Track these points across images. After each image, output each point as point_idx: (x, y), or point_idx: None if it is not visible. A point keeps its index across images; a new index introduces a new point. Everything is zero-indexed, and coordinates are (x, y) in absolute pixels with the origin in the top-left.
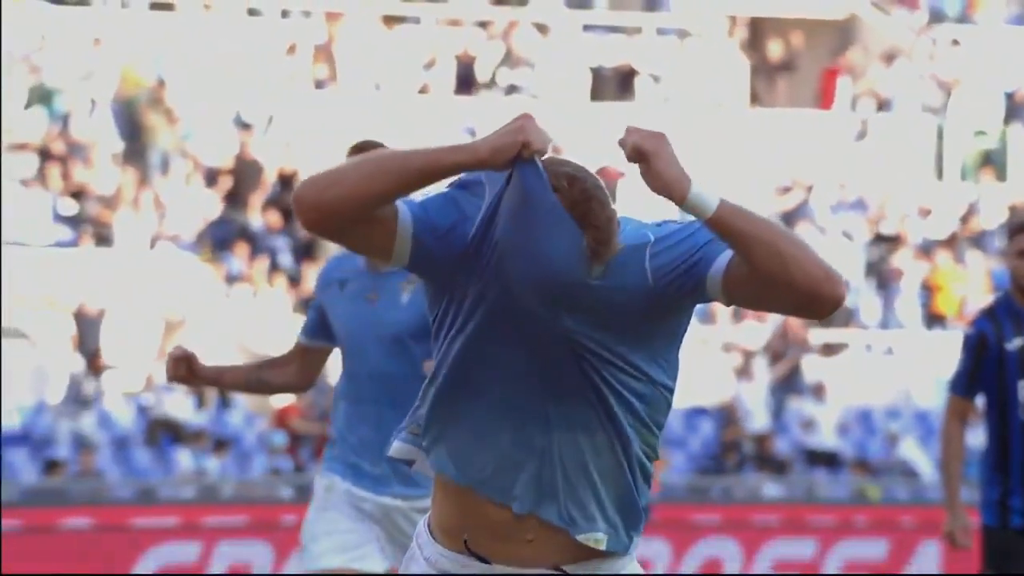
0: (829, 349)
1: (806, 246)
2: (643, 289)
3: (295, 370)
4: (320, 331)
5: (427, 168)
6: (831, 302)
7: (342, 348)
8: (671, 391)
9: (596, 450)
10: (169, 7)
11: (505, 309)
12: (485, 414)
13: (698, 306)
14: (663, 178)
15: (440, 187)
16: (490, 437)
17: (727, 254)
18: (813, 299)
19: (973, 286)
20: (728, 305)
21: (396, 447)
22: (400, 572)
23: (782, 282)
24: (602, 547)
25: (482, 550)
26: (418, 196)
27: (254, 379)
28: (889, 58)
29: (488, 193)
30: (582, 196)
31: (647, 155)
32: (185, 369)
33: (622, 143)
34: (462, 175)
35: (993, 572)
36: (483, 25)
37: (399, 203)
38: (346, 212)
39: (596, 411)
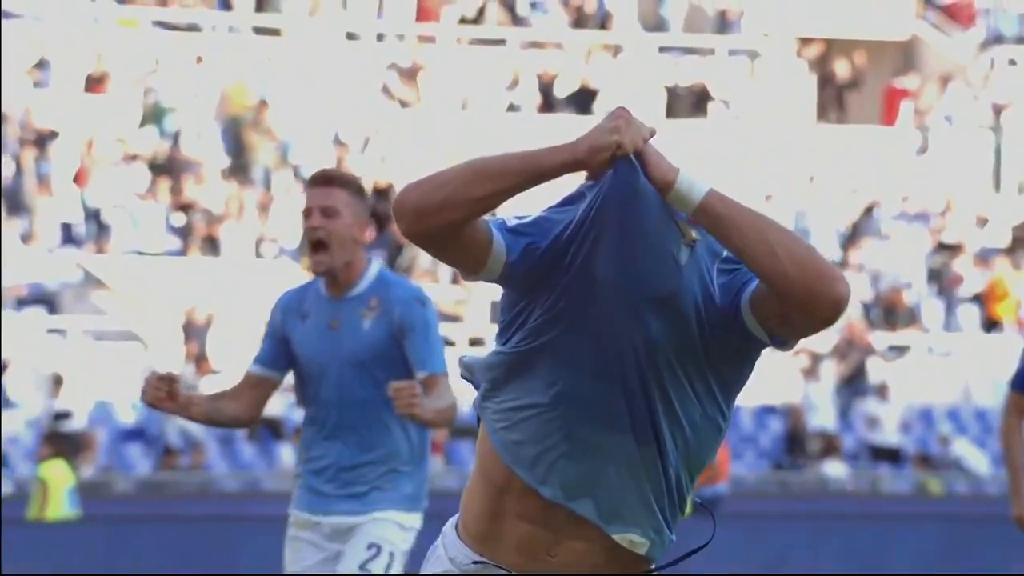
0: (893, 351)
1: (802, 242)
2: (710, 299)
3: (246, 402)
4: (276, 361)
5: (529, 170)
6: (828, 300)
7: (305, 376)
8: (720, 432)
9: (644, 460)
10: (273, 32)
11: (589, 307)
12: (543, 405)
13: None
14: (657, 166)
15: (541, 205)
16: (541, 425)
17: (756, 281)
18: (810, 296)
19: None
20: (769, 340)
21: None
22: (421, 571)
23: (777, 276)
24: (641, 550)
25: (505, 563)
26: (513, 218)
27: (212, 410)
28: (949, 77)
29: (588, 199)
30: None
31: (643, 148)
32: (165, 392)
33: (619, 143)
34: (571, 192)
35: None
36: (563, 47)
37: (492, 227)
38: (450, 218)
39: (648, 422)
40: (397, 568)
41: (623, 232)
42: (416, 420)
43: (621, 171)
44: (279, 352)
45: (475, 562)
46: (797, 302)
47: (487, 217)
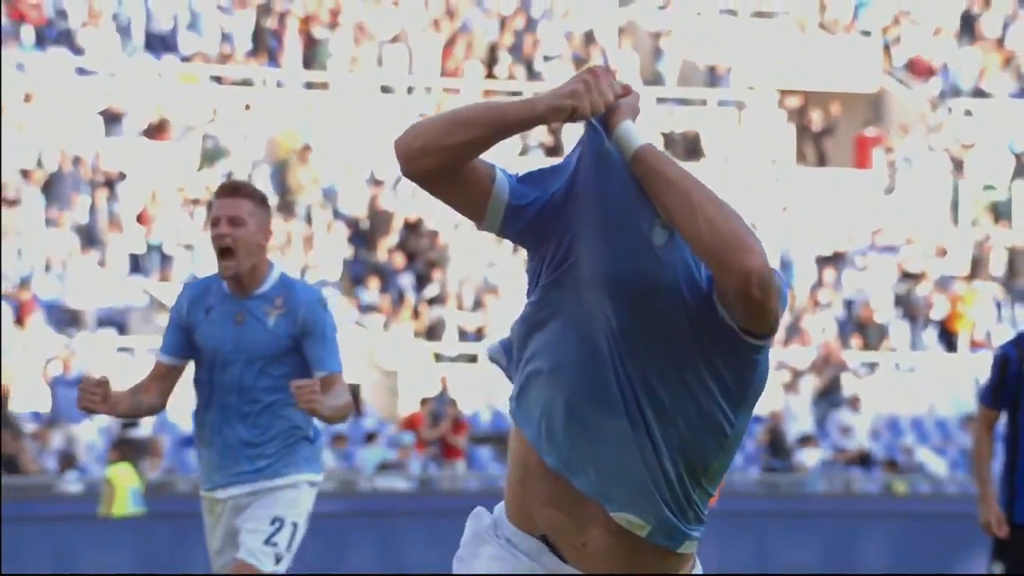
0: (864, 367)
1: (727, 212)
2: (695, 285)
3: (156, 392)
4: (182, 349)
5: (495, 122)
6: (737, 269)
7: (204, 364)
8: (726, 436)
9: (639, 446)
10: (318, 86)
11: (581, 280)
12: (548, 370)
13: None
14: (613, 115)
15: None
16: (545, 389)
17: None
18: (721, 263)
19: (983, 315)
20: (737, 328)
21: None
22: (476, 556)
23: (693, 238)
24: (641, 533)
25: (542, 524)
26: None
27: (135, 403)
28: (912, 125)
29: (577, 156)
30: None
31: (623, 105)
32: (99, 396)
33: (620, 106)
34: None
35: (1002, 567)
36: None
37: (498, 171)
38: (432, 163)
39: (637, 409)
40: (299, 536)
41: (596, 204)
42: (315, 415)
43: (589, 135)
44: (184, 341)
45: (523, 539)
46: (713, 268)
47: (499, 166)
